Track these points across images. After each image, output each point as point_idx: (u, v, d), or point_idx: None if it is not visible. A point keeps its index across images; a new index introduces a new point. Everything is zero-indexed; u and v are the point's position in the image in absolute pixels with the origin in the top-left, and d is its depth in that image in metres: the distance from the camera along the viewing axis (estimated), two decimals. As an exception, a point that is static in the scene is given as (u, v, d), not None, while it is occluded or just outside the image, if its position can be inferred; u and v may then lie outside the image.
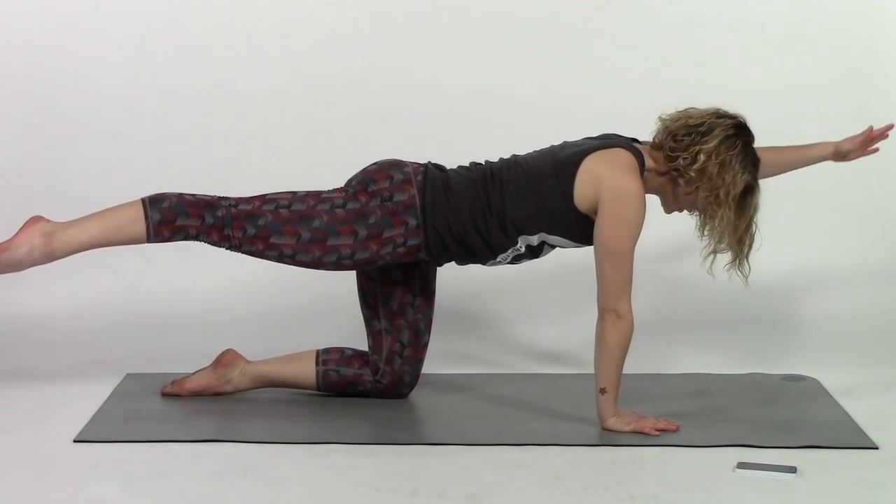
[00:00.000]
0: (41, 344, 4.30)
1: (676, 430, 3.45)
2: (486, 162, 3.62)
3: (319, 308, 4.54)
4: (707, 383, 3.95)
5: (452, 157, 3.73)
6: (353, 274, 3.76)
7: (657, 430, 3.43)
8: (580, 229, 3.52)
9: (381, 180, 3.54)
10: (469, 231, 3.52)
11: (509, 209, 3.50)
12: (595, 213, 3.47)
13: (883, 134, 3.78)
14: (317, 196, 3.54)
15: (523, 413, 3.66)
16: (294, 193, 3.55)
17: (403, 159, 3.63)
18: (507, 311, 4.62)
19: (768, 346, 4.33)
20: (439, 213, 3.51)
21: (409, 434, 3.49)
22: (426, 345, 3.77)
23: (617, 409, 3.47)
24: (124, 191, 4.78)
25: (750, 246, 3.53)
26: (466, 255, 3.59)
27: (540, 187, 3.49)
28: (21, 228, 3.49)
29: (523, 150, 3.66)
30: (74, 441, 3.38)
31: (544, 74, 4.83)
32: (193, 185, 4.80)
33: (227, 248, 3.57)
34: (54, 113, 4.79)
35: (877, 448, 3.35)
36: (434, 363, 3.95)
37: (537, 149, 3.64)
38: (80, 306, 4.56)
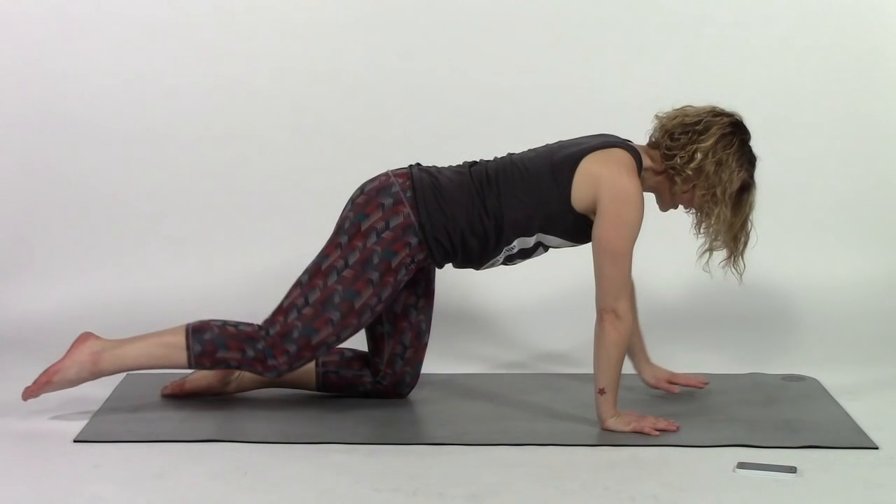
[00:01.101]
0: (41, 344, 4.29)
1: (676, 431, 3.45)
2: (481, 161, 3.61)
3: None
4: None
5: (452, 158, 3.72)
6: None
7: (657, 431, 3.43)
8: (578, 229, 3.51)
9: (372, 213, 3.50)
10: (467, 236, 3.51)
11: (507, 211, 3.49)
12: (593, 213, 3.47)
13: (686, 385, 3.82)
14: (319, 272, 3.49)
15: (523, 413, 3.66)
16: (300, 285, 3.50)
17: (388, 174, 3.56)
18: (506, 311, 4.62)
19: (768, 346, 4.33)
20: (437, 224, 3.50)
21: (409, 434, 3.49)
22: (426, 345, 3.76)
23: (616, 409, 3.47)
24: (124, 191, 4.81)
25: (745, 244, 3.54)
26: (464, 259, 3.58)
27: (538, 188, 3.49)
28: (71, 347, 3.55)
29: (522, 149, 3.65)
30: (74, 441, 3.38)
31: (544, 73, 4.83)
32: (193, 185, 4.82)
33: (277, 377, 3.55)
34: (54, 113, 4.79)
35: (877, 448, 3.35)
36: (434, 363, 3.95)
37: (532, 147, 3.63)
38: (80, 306, 4.56)
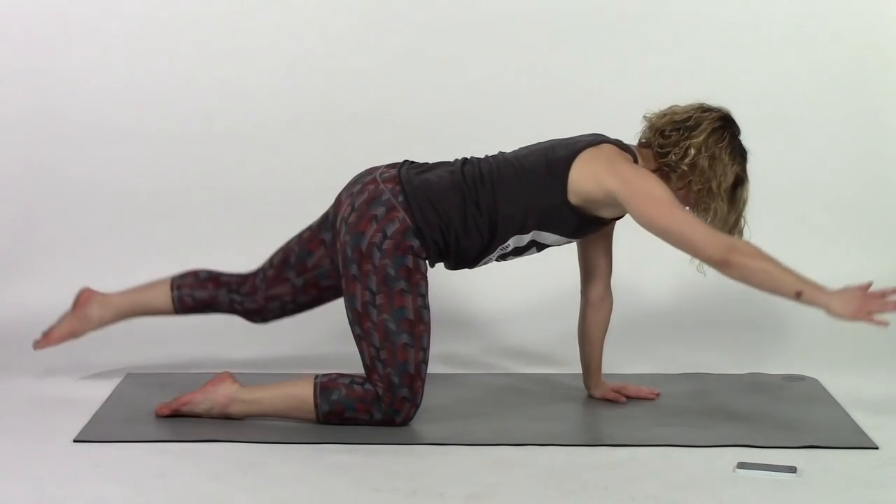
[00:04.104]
0: (41, 344, 4.30)
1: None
2: (472, 159, 3.58)
3: (320, 309, 4.53)
4: (707, 383, 3.95)
5: (450, 157, 3.71)
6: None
7: (878, 320, 3.21)
8: (573, 225, 3.51)
9: (366, 228, 3.46)
10: (461, 236, 3.49)
11: (502, 209, 3.48)
12: (590, 204, 3.46)
13: (636, 397, 3.77)
14: (361, 315, 3.46)
15: (523, 413, 3.66)
16: (360, 338, 3.47)
17: (376, 180, 3.50)
18: (506, 311, 4.62)
19: (768, 346, 4.33)
20: (433, 225, 3.48)
21: (409, 434, 3.48)
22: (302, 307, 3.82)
23: (825, 290, 3.25)
24: (124, 191, 4.81)
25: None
26: (458, 261, 3.57)
27: (533, 184, 3.48)
28: (208, 383, 3.56)
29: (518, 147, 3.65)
30: (74, 441, 3.38)
31: (543, 74, 4.83)
32: (193, 184, 4.81)
33: (408, 423, 3.51)
34: (54, 113, 4.79)
35: (877, 448, 3.35)
36: (434, 363, 3.94)
37: (524, 146, 3.63)
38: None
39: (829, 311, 3.26)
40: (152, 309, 3.86)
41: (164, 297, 3.83)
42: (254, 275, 3.79)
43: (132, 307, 3.86)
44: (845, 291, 3.28)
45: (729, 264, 3.31)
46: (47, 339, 3.86)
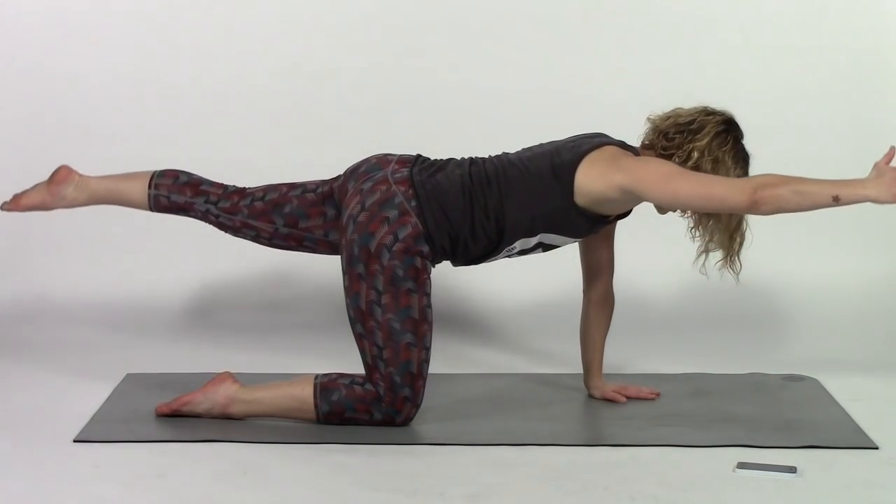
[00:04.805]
0: (41, 344, 4.30)
1: None
2: (479, 160, 3.57)
3: (319, 308, 4.54)
4: (707, 383, 3.95)
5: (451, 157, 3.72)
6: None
7: None
8: (579, 226, 3.51)
9: (377, 229, 3.44)
10: (469, 241, 3.49)
11: (509, 213, 3.48)
12: (596, 208, 3.46)
13: (636, 398, 3.76)
14: (364, 314, 3.44)
15: (523, 413, 3.66)
16: (362, 336, 3.46)
17: (388, 180, 3.47)
18: (506, 310, 4.62)
19: (768, 346, 4.33)
20: (443, 231, 3.47)
21: (409, 434, 3.48)
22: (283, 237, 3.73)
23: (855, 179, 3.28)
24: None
25: (741, 243, 3.55)
26: (464, 260, 3.57)
27: (540, 189, 3.47)
28: (208, 383, 3.54)
29: (519, 149, 3.64)
30: (74, 441, 3.38)
31: (543, 74, 4.83)
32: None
33: (408, 423, 3.52)
34: (54, 113, 4.79)
35: (877, 448, 3.35)
36: (435, 363, 3.94)
37: (527, 146, 3.62)
38: (80, 306, 4.57)
39: (873, 202, 3.27)
40: (127, 201, 3.75)
41: (141, 192, 3.72)
42: (238, 194, 3.68)
43: (107, 195, 3.75)
44: (879, 177, 3.27)
45: (761, 202, 3.29)
46: (16, 203, 3.72)
